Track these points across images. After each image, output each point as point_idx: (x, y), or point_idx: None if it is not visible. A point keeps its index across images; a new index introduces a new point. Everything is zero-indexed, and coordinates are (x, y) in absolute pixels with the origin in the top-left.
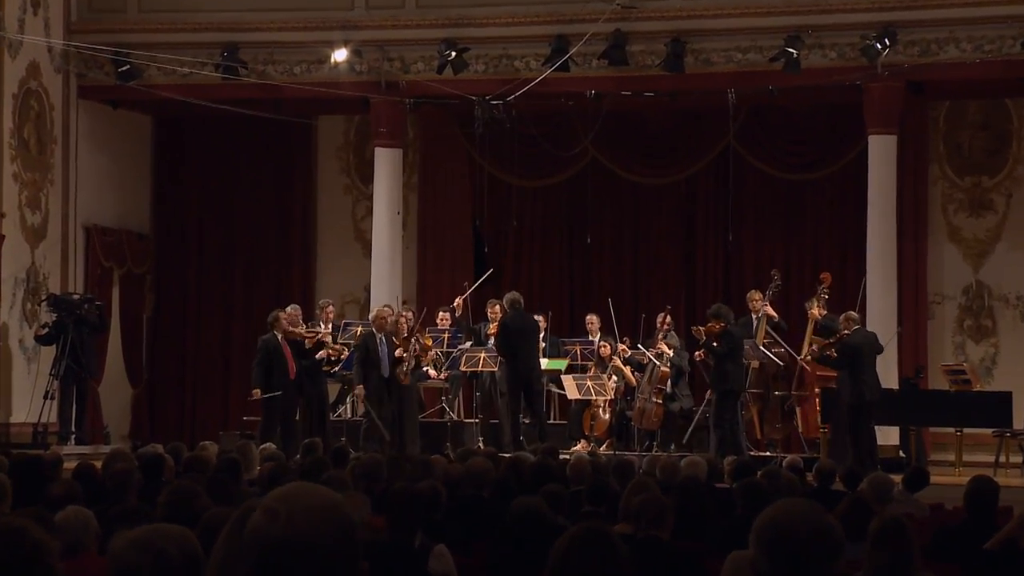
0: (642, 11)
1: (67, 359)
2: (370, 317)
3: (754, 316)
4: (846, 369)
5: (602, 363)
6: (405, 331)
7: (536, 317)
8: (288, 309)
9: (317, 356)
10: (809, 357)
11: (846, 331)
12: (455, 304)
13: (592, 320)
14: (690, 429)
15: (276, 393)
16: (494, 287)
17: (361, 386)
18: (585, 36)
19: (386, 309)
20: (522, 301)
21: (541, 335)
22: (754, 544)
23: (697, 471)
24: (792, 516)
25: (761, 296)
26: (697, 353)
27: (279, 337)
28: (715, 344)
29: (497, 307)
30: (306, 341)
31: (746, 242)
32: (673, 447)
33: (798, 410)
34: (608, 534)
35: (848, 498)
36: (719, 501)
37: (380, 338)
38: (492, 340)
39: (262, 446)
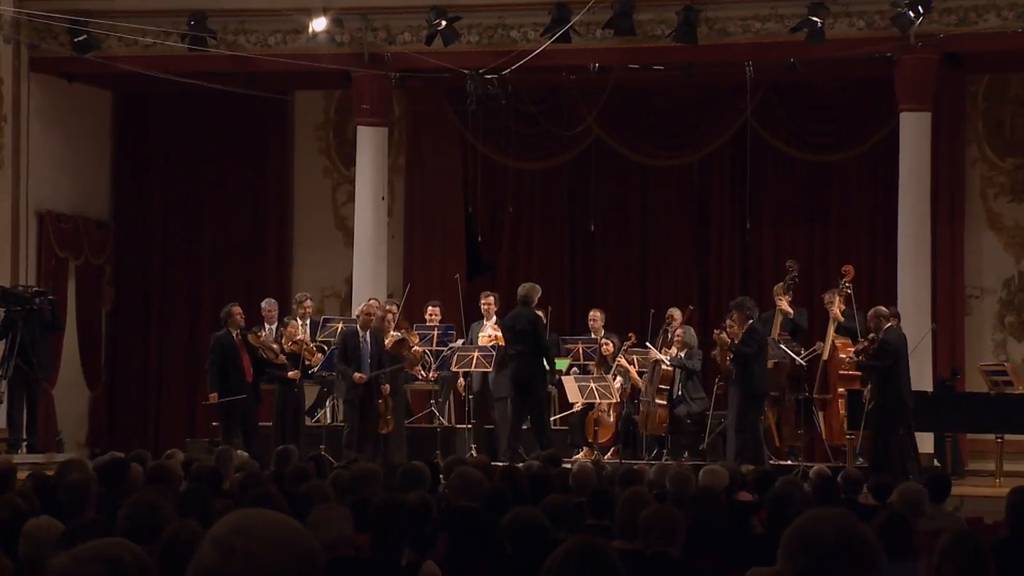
0: None
1: (16, 359)
2: (355, 312)
3: (780, 312)
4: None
5: (605, 362)
6: (391, 326)
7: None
8: (264, 304)
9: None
10: (843, 357)
11: (886, 326)
12: (429, 314)
13: (595, 316)
14: (706, 435)
15: (240, 396)
16: (489, 279)
17: (360, 374)
18: (588, 3)
19: (373, 303)
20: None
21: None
22: (781, 557)
23: (715, 481)
24: (822, 525)
25: (783, 290)
26: (715, 333)
27: (234, 335)
28: (738, 344)
29: (491, 298)
30: (269, 354)
31: (765, 230)
32: (686, 454)
33: (821, 415)
34: (606, 550)
35: (885, 511)
36: (739, 514)
37: (364, 337)
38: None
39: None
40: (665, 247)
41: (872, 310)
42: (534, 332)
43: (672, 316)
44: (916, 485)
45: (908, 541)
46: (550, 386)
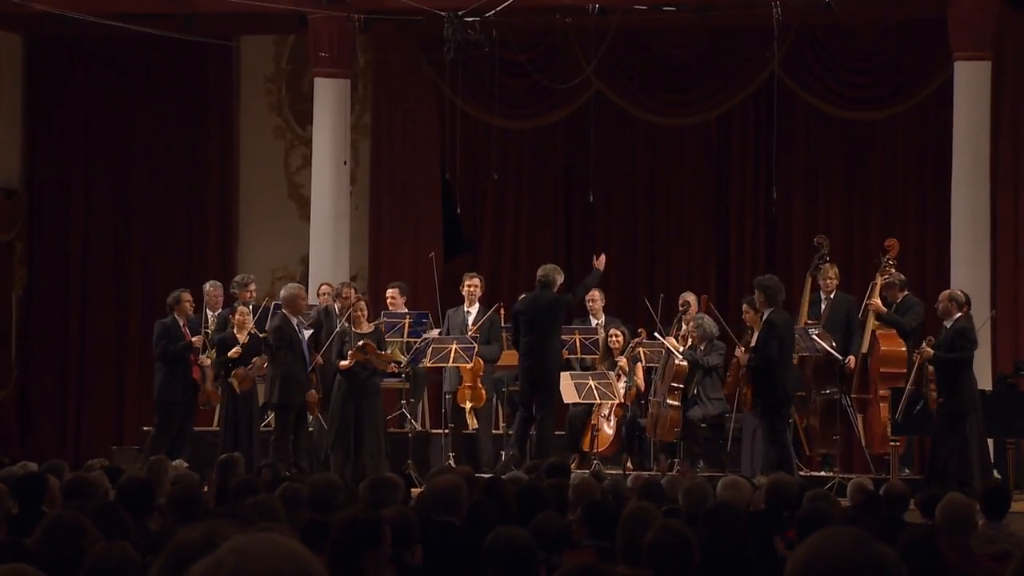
0: None
1: None
2: (281, 296)
3: (823, 296)
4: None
5: (610, 356)
6: (364, 317)
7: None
8: (207, 286)
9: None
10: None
11: (956, 315)
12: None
13: (593, 298)
14: (728, 441)
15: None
16: (469, 258)
17: (313, 391)
18: None
19: (324, 287)
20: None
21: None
22: None
23: (737, 495)
24: (833, 551)
25: (836, 272)
26: (738, 350)
27: (181, 324)
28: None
29: (477, 281)
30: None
31: (795, 199)
32: (701, 464)
33: (860, 417)
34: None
35: (909, 531)
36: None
37: (297, 324)
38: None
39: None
40: (677, 220)
41: (944, 293)
42: (555, 319)
43: (687, 302)
44: (963, 498)
45: (934, 564)
46: None
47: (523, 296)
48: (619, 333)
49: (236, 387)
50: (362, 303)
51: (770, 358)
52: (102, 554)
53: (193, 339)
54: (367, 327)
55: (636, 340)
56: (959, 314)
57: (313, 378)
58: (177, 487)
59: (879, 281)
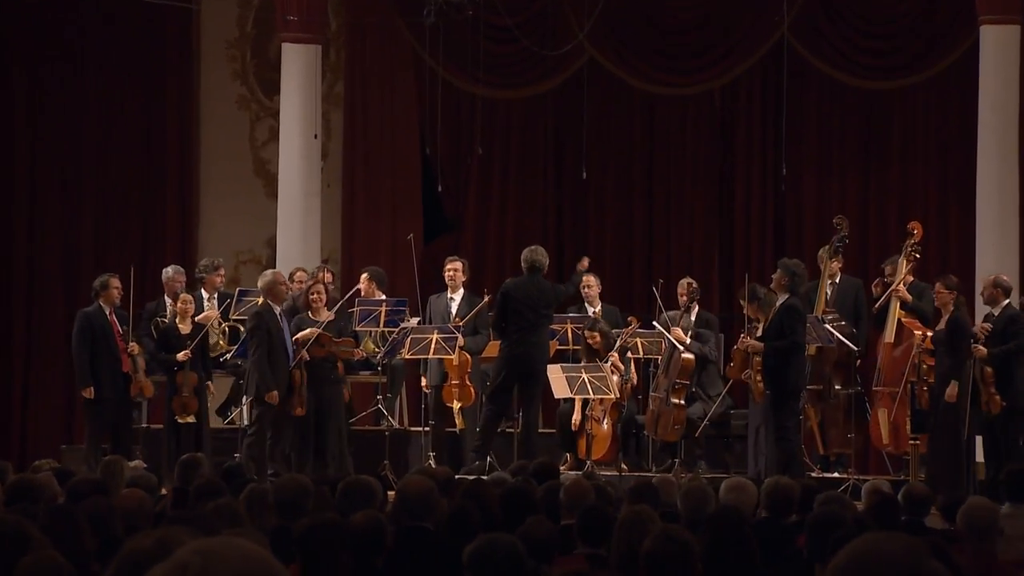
0: None
1: None
2: (260, 284)
3: (828, 282)
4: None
5: (591, 353)
6: (322, 302)
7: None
8: (168, 271)
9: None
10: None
11: (1004, 302)
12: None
13: (589, 283)
14: (730, 439)
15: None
16: (452, 240)
17: (275, 392)
18: None
19: (300, 273)
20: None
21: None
22: None
23: (742, 499)
24: (882, 558)
25: (829, 254)
26: (743, 338)
27: (108, 312)
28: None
29: (459, 265)
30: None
31: (806, 177)
32: (702, 465)
33: (879, 414)
34: None
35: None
36: (773, 539)
37: (279, 313)
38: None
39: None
40: (678, 200)
41: (988, 279)
42: (551, 309)
43: (690, 287)
44: (987, 502)
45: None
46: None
47: (512, 280)
48: (595, 335)
49: (177, 416)
50: (320, 286)
51: (799, 344)
52: (30, 567)
53: (131, 343)
54: (325, 314)
55: (628, 329)
56: (1007, 301)
57: (297, 374)
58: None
59: (904, 267)
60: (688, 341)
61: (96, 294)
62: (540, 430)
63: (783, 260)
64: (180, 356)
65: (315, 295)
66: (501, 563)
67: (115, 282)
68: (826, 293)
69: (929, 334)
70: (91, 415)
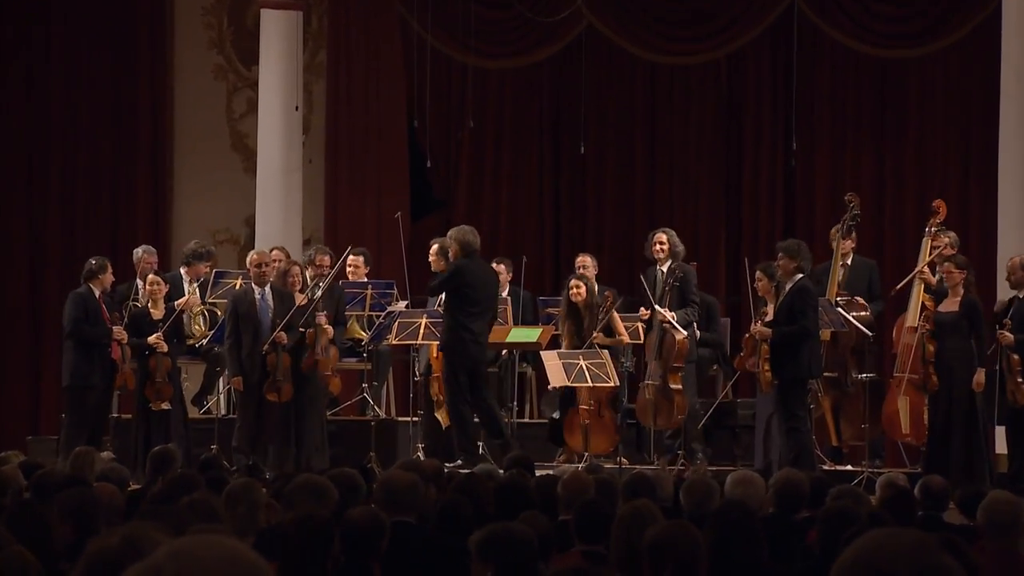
0: None
1: None
2: (248, 261)
3: (840, 263)
4: None
5: (573, 313)
6: (297, 285)
7: (498, 266)
8: (138, 251)
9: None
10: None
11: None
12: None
13: (584, 263)
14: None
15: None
16: (442, 218)
17: (239, 377)
18: None
19: (276, 253)
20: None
21: (506, 291)
22: None
23: (749, 493)
24: (891, 555)
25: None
26: (754, 324)
27: (97, 294)
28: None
29: (436, 247)
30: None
31: (818, 152)
32: (700, 456)
33: (899, 402)
34: None
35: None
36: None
37: (261, 295)
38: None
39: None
40: (681, 176)
41: (1014, 260)
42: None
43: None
44: (1010, 496)
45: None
46: (525, 364)
47: (466, 263)
48: (581, 287)
49: (153, 404)
50: (296, 268)
51: (808, 330)
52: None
53: (114, 327)
54: (299, 299)
55: (606, 305)
56: None
57: (272, 358)
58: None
59: (928, 248)
60: (674, 319)
61: (91, 275)
62: (530, 421)
63: (783, 243)
64: (151, 340)
65: (292, 279)
66: (516, 550)
67: (110, 268)
68: (839, 275)
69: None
70: (75, 404)
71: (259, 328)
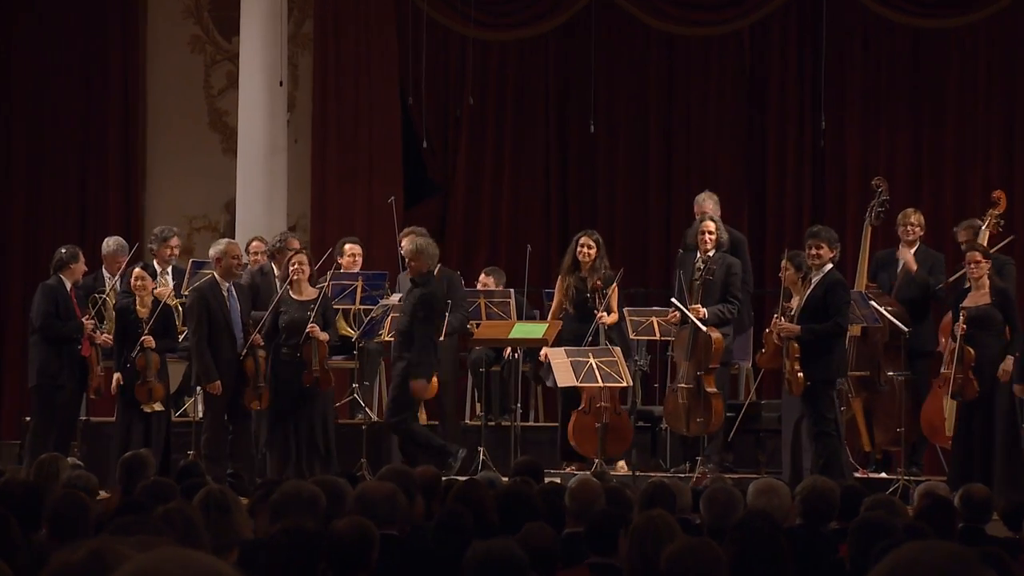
0: None
1: None
2: (212, 255)
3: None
4: None
5: (576, 271)
6: (305, 278)
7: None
8: (110, 243)
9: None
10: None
11: None
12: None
13: (586, 245)
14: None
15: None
16: (438, 204)
17: (219, 383)
18: None
19: (256, 244)
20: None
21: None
22: None
23: (773, 503)
24: (928, 569)
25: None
26: (776, 320)
27: (69, 287)
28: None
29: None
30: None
31: (849, 130)
32: (712, 464)
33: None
34: None
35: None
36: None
37: (228, 290)
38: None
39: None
40: (699, 156)
41: None
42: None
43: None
44: None
45: None
46: (528, 364)
47: (438, 269)
48: (592, 243)
49: (145, 405)
50: (302, 256)
51: (843, 328)
52: None
53: (85, 319)
54: (311, 292)
55: (613, 283)
56: None
57: (250, 363)
58: (67, 492)
59: (985, 240)
60: (706, 316)
61: (61, 265)
62: (535, 424)
63: (811, 230)
64: (147, 342)
65: (295, 267)
66: (501, 572)
67: (82, 257)
68: (867, 265)
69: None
70: (43, 405)
71: (231, 328)
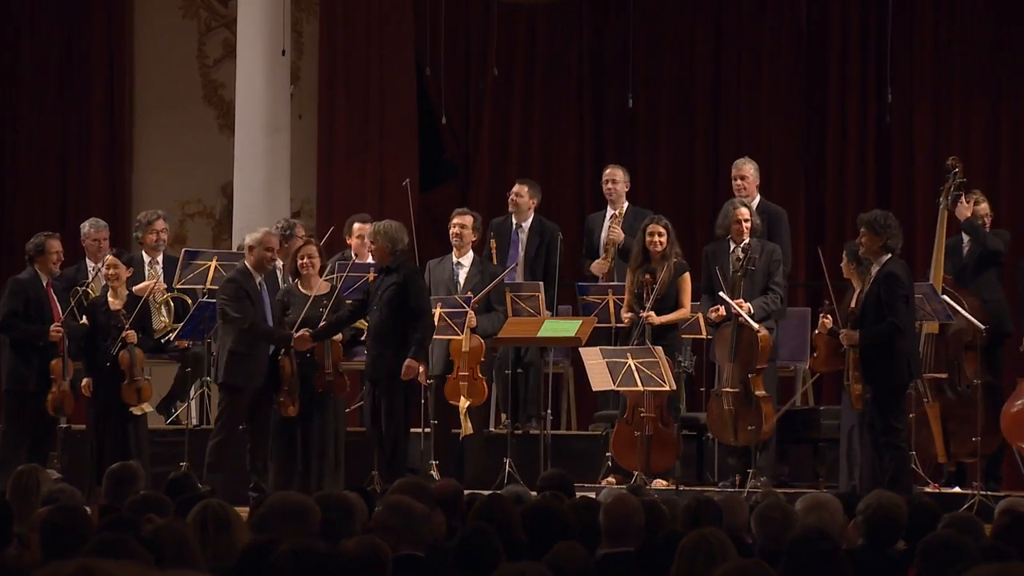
0: None
1: None
2: (247, 243)
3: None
4: None
5: (646, 262)
6: (315, 269)
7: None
8: (85, 226)
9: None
10: None
11: None
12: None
13: (616, 177)
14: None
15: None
16: (458, 187)
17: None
18: None
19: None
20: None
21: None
22: None
23: (824, 519)
24: None
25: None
26: (823, 318)
27: (44, 281)
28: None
29: (468, 219)
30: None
31: (918, 105)
32: (765, 477)
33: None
34: None
35: None
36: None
37: (260, 283)
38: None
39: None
40: (751, 133)
41: None
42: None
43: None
44: None
45: None
46: (557, 363)
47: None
48: (662, 229)
49: (134, 408)
50: (312, 248)
51: (897, 326)
52: None
53: (53, 327)
54: (322, 287)
55: (662, 275)
56: None
57: (286, 364)
58: (47, 508)
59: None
60: (752, 311)
61: (31, 258)
62: (567, 433)
63: (861, 216)
64: (129, 337)
65: (305, 260)
66: None
67: (55, 244)
68: (943, 255)
69: None
70: (13, 412)
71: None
